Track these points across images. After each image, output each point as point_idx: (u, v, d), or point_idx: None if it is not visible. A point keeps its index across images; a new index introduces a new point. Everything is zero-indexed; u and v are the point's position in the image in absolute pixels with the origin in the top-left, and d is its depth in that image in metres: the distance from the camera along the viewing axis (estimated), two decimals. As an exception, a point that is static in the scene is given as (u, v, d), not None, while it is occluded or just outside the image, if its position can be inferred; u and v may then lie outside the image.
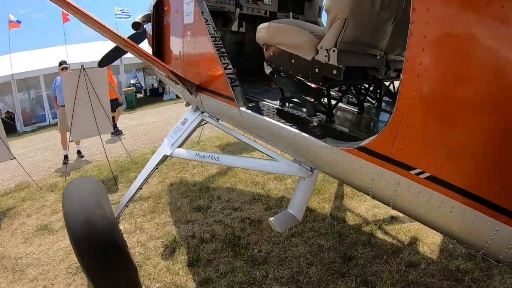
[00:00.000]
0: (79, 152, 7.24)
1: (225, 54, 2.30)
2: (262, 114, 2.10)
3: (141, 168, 2.92)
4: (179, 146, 2.83)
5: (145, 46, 3.98)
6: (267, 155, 2.33)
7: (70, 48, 14.42)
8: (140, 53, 2.45)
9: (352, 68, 1.77)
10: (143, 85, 23.56)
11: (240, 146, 6.84)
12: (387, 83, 2.76)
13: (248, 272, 2.81)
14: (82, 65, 5.35)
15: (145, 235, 3.58)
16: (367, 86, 2.45)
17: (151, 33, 3.58)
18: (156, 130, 9.52)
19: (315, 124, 1.90)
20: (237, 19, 3.34)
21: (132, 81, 22.76)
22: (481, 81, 1.09)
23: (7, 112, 14.34)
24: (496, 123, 1.08)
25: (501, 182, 1.12)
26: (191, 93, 2.76)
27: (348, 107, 2.47)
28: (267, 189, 4.56)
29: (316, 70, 1.76)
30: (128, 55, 9.81)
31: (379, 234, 3.36)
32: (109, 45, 4.73)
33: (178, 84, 2.79)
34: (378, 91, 2.54)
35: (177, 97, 16.97)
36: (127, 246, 2.79)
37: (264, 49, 2.12)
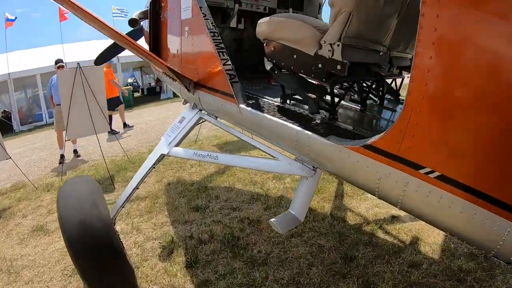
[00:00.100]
0: (75, 151, 7.17)
1: (224, 50, 2.24)
2: (262, 111, 2.03)
3: (138, 167, 2.86)
4: (177, 145, 2.77)
5: (142, 44, 3.91)
6: (267, 153, 2.27)
7: (67, 47, 14.31)
8: (138, 49, 2.39)
9: (355, 64, 1.72)
10: (140, 84, 23.43)
11: (238, 145, 6.79)
12: (388, 81, 2.72)
13: (248, 274, 2.75)
14: (78, 63, 5.29)
15: (142, 236, 3.52)
16: (369, 83, 2.40)
17: (148, 30, 3.52)
18: (153, 129, 9.45)
19: (318, 121, 1.84)
20: (235, 15, 3.27)
21: (130, 80, 22.64)
22: (496, 75, 1.03)
23: (4, 111, 14.24)
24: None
25: None
26: (189, 90, 2.69)
27: (350, 105, 2.41)
28: (266, 189, 4.51)
29: (320, 65, 1.70)
30: (126, 54, 9.75)
31: (380, 234, 3.32)
32: (106, 44, 4.69)
33: (176, 81, 2.72)
34: (381, 88, 2.48)
35: (175, 96, 16.93)
36: (124, 247, 2.74)
37: (264, 45, 2.06)
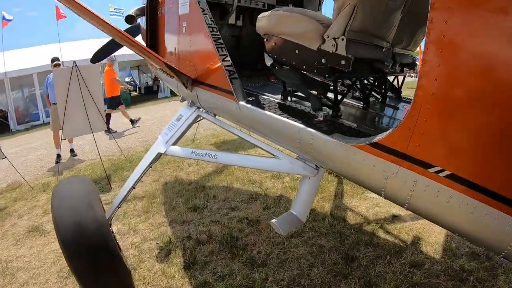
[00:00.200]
0: (72, 150, 7.11)
1: (223, 46, 2.17)
2: (263, 108, 1.97)
3: (135, 167, 2.81)
4: (174, 144, 2.71)
5: (139, 41, 3.85)
6: (268, 152, 2.21)
7: (63, 46, 14.18)
8: (135, 45, 2.33)
9: (358, 60, 1.66)
10: (137, 83, 23.35)
11: (236, 144, 6.74)
12: (390, 78, 2.67)
13: (247, 275, 2.70)
14: (74, 61, 5.23)
15: (139, 237, 3.46)
16: (372, 80, 2.34)
17: (144, 27, 3.45)
18: (150, 128, 9.40)
19: (321, 119, 1.78)
20: (234, 11, 3.21)
21: (127, 79, 22.56)
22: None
23: (0, 110, 14.09)
24: None
25: None
26: (186, 87, 2.62)
27: (352, 102, 2.36)
28: (264, 188, 4.47)
29: (323, 60, 1.63)
30: (123, 53, 9.64)
31: (381, 234, 3.28)
32: (103, 43, 4.61)
33: (173, 78, 2.65)
34: (383, 85, 2.43)
35: (172, 94, 16.88)
36: (120, 248, 2.68)
37: (265, 40, 1.99)
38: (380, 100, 2.46)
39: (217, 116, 2.74)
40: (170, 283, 2.70)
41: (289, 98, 2.16)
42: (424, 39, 2.73)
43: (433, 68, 1.13)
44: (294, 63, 1.82)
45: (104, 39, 4.52)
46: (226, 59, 2.14)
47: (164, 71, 2.67)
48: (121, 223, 3.75)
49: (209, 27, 2.20)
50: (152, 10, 3.27)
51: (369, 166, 1.38)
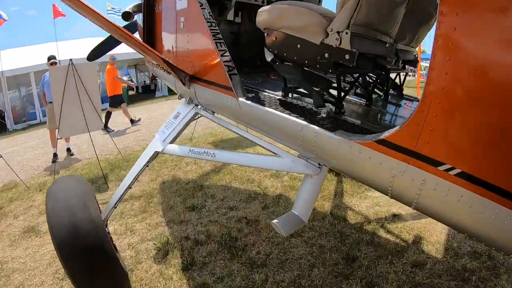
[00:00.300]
0: (68, 149, 7.06)
1: (222, 41, 2.11)
2: (263, 105, 1.91)
3: (132, 166, 2.74)
4: (171, 142, 2.65)
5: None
6: (269, 150, 2.15)
7: (60, 45, 14.08)
8: (133, 41, 2.28)
9: (361, 55, 1.61)
10: (135, 82, 23.23)
11: (235, 142, 6.70)
12: (392, 76, 2.63)
13: (247, 276, 2.65)
14: (70, 59, 5.16)
15: (136, 237, 3.41)
16: (375, 76, 2.29)
17: (141, 24, 3.39)
18: (148, 127, 9.34)
19: (324, 115, 1.72)
20: (233, 7, 3.15)
21: (124, 78, 22.40)
22: None
23: (-3, 110, 13.99)
24: None
25: None
26: (184, 83, 2.56)
27: (355, 99, 2.31)
28: (263, 187, 4.43)
29: (326, 55, 1.58)
30: (120, 51, 9.51)
31: (382, 233, 3.24)
32: (100, 41, 4.54)
33: (170, 74, 2.59)
34: (386, 82, 2.38)
35: (170, 93, 16.81)
36: (117, 249, 2.63)
37: (265, 35, 1.93)
38: (382, 97, 2.41)
39: (215, 114, 2.68)
40: (168, 285, 2.65)
41: (290, 95, 2.11)
42: (425, 36, 2.69)
43: (443, 62, 1.08)
44: (295, 58, 1.76)
45: (101, 38, 4.48)
46: (225, 54, 2.08)
47: (161, 67, 2.61)
48: (118, 223, 3.69)
49: (207, 21, 2.14)
50: (149, 6, 3.21)
51: (375, 164, 1.33)
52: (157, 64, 2.72)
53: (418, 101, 2.63)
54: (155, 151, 2.63)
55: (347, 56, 1.50)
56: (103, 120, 6.30)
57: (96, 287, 2.21)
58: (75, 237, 2.04)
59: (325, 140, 1.53)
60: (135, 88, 22.10)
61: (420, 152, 1.18)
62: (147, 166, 2.69)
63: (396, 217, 3.53)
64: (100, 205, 2.93)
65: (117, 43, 4.42)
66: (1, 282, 2.93)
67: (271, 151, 2.14)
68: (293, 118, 1.69)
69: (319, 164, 1.85)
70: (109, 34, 4.28)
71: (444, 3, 1.04)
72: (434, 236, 3.16)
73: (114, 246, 2.54)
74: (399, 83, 2.79)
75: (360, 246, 2.99)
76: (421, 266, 2.72)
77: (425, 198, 1.23)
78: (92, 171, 5.73)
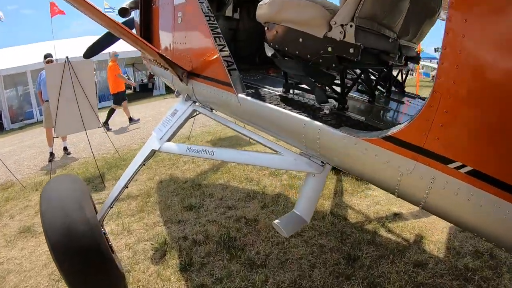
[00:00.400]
0: (65, 148, 6.98)
1: (221, 35, 2.05)
2: (264, 101, 1.85)
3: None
4: (169, 140, 2.59)
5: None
6: (270, 148, 2.09)
7: (58, 43, 13.94)
8: (130, 36, 2.23)
9: (364, 50, 1.55)
10: (132, 80, 23.10)
11: (233, 141, 6.64)
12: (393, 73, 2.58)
13: (246, 277, 2.60)
14: (66, 57, 5.09)
15: (133, 237, 3.35)
16: (377, 72, 2.24)
17: (138, 20, 3.33)
18: (146, 125, 9.28)
19: (327, 111, 1.66)
20: (231, 3, 3.09)
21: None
22: None
23: (-6, 109, 13.84)
24: None
25: None
26: (181, 80, 2.50)
27: (357, 95, 2.25)
28: (262, 186, 4.38)
29: (329, 49, 1.52)
30: (118, 50, 9.40)
31: (383, 232, 3.21)
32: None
33: (168, 70, 2.53)
34: (388, 78, 2.33)
35: (167, 92, 16.71)
36: (113, 250, 2.57)
37: (266, 29, 1.87)
38: (385, 94, 2.36)
39: (214, 111, 2.62)
40: (166, 286, 2.60)
41: (291, 91, 2.05)
42: (428, 32, 2.63)
43: (454, 54, 1.03)
44: (297, 52, 1.70)
45: (98, 36, 4.41)
46: (224, 49, 2.02)
47: (158, 63, 2.55)
48: (114, 223, 3.63)
49: (205, 15, 2.08)
50: (146, 1, 3.15)
51: (382, 162, 1.27)
52: (154, 60, 2.65)
53: (420, 98, 2.58)
54: (152, 149, 2.57)
55: (351, 50, 1.45)
56: (99, 118, 6.21)
57: None
58: (70, 239, 1.99)
59: (329, 136, 1.48)
60: (132, 88, 22.05)
61: (429, 149, 1.13)
62: (144, 164, 2.64)
63: (397, 216, 3.50)
64: (96, 205, 2.89)
65: (114, 41, 4.36)
66: (-4, 283, 2.88)
67: (272, 149, 2.08)
68: (295, 115, 1.64)
69: (322, 162, 1.79)
70: (105, 32, 4.22)
71: None
72: (436, 235, 3.13)
73: (111, 246, 2.49)
74: (400, 80, 2.74)
75: (361, 246, 2.95)
76: (423, 265, 2.69)
77: (434, 197, 1.18)
78: (89, 170, 5.66)
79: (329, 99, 1.68)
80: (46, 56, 6.73)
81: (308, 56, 1.64)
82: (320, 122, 1.53)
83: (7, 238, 3.63)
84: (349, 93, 2.24)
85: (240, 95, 1.96)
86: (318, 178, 1.82)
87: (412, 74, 17.40)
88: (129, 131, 8.78)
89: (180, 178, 4.90)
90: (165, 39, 2.78)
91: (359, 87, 2.29)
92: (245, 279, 2.57)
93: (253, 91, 2.08)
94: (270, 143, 2.12)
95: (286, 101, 1.91)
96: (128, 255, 3.03)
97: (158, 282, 2.65)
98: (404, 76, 2.78)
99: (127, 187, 2.61)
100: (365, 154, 1.33)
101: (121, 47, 9.14)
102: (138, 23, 3.33)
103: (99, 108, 6.50)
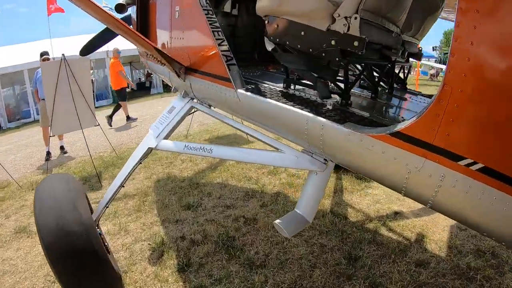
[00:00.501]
0: (62, 147, 6.90)
1: (220, 30, 1.99)
2: (264, 96, 1.79)
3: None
4: (166, 138, 2.54)
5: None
6: (270, 145, 2.03)
7: (55, 42, 13.82)
8: (127, 31, 2.19)
9: (367, 44, 1.50)
10: (130, 79, 22.99)
11: (232, 139, 6.59)
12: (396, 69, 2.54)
13: (245, 278, 2.56)
14: (63, 54, 5.02)
15: (130, 237, 3.29)
16: (380, 68, 2.19)
17: (135, 16, 3.27)
18: (143, 124, 9.20)
19: (330, 107, 1.61)
20: None
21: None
22: None
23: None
24: None
25: None
26: (179, 76, 2.44)
27: (359, 91, 2.20)
28: (261, 184, 4.33)
29: (333, 42, 1.47)
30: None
31: (384, 231, 3.17)
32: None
33: (164, 65, 2.46)
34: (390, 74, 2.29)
35: (165, 90, 16.63)
36: (110, 251, 2.52)
37: (266, 22, 1.81)
38: (387, 90, 2.31)
39: (212, 108, 2.56)
40: (164, 287, 2.55)
41: (292, 86, 1.99)
42: (430, 28, 2.58)
43: (465, 46, 0.98)
44: (299, 46, 1.64)
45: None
46: (222, 43, 1.96)
47: (155, 59, 2.48)
48: (111, 223, 3.58)
49: (204, 9, 2.01)
50: None
51: (389, 159, 1.22)
52: (150, 55, 2.59)
53: (422, 95, 2.53)
54: (149, 147, 2.51)
55: (355, 43, 1.39)
56: (96, 116, 6.15)
57: None
58: (64, 240, 1.94)
59: (333, 133, 1.42)
60: (130, 87, 21.97)
61: (439, 145, 1.08)
62: (141, 163, 2.58)
63: (397, 214, 3.47)
64: (92, 204, 2.83)
65: (110, 38, 4.29)
66: (-9, 284, 2.82)
67: (272, 146, 2.02)
68: (297, 110, 1.58)
69: (325, 159, 1.74)
70: (101, 29, 4.16)
71: None
72: (437, 234, 3.10)
73: (107, 247, 2.44)
74: (402, 76, 2.70)
75: (362, 245, 2.92)
76: (425, 265, 2.66)
77: (443, 195, 1.13)
78: (85, 169, 5.59)
79: (332, 94, 1.62)
80: (42, 54, 6.67)
81: (310, 50, 1.58)
82: (324, 118, 1.47)
83: (3, 238, 3.57)
84: (352, 90, 2.19)
85: (239, 90, 1.90)
86: (320, 177, 1.77)
87: (411, 72, 17.38)
88: (127, 129, 8.71)
89: (178, 177, 4.85)
90: (163, 34, 2.72)
91: (361, 83, 2.23)
92: (244, 280, 2.53)
93: (253, 86, 2.02)
94: (270, 140, 2.06)
95: (287, 96, 1.85)
96: (125, 256, 2.98)
97: (155, 283, 2.60)
98: (406, 72, 2.74)
99: (123, 186, 2.56)
100: (371, 150, 1.27)
101: (119, 45, 9.06)
102: (135, 19, 3.27)
103: (96, 107, 6.44)
